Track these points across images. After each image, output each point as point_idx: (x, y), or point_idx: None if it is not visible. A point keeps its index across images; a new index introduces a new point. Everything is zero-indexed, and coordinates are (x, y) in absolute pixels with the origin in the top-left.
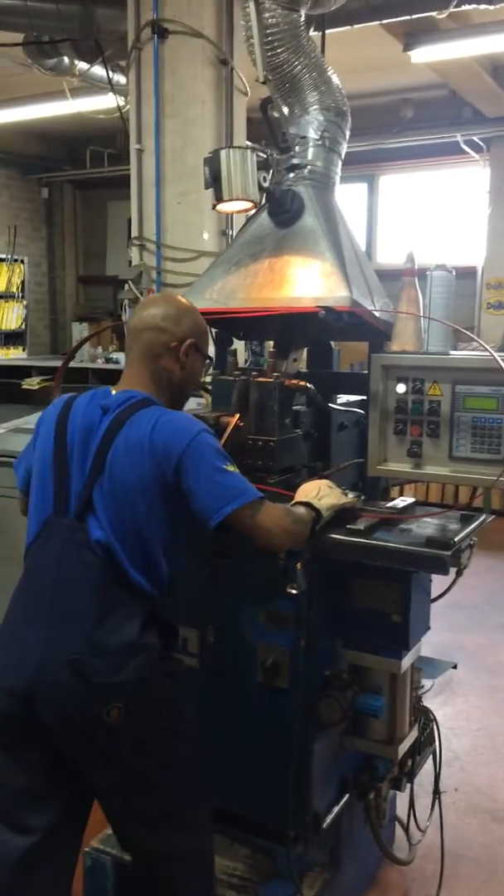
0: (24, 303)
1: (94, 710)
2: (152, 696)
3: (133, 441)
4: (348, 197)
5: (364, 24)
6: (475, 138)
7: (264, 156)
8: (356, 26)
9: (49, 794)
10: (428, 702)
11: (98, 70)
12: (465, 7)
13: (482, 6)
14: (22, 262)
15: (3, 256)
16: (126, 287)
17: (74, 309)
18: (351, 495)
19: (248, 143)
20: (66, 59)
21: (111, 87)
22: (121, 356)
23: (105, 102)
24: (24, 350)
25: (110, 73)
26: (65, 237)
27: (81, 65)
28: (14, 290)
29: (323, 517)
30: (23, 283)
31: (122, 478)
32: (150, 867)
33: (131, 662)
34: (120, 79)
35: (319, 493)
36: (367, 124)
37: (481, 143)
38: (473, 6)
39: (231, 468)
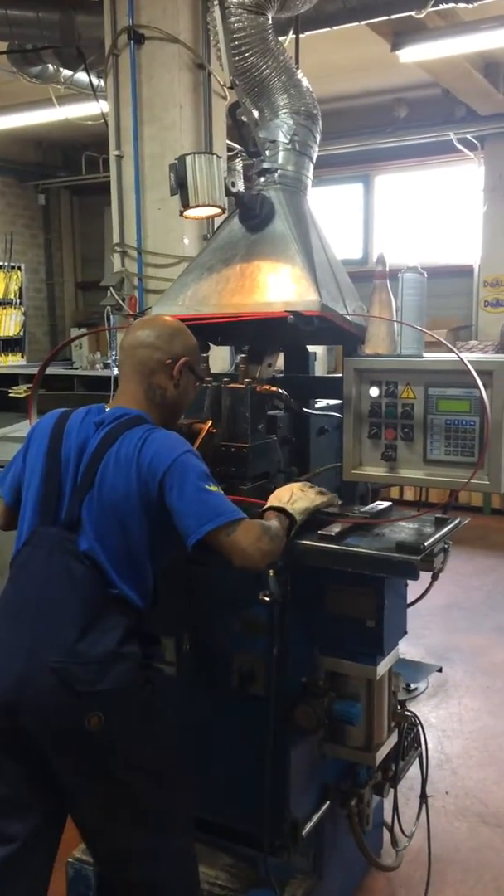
0: (23, 309)
1: (75, 718)
2: (131, 704)
3: (122, 458)
4: (344, 197)
5: (346, 26)
6: (469, 136)
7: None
8: (344, 27)
9: (28, 803)
10: (422, 704)
11: (83, 76)
12: (442, 6)
13: (461, 5)
14: (19, 268)
15: (1, 264)
16: (108, 294)
17: (73, 315)
18: (328, 494)
19: (235, 145)
20: (50, 67)
21: (94, 93)
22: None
23: (93, 109)
24: (22, 356)
25: (94, 80)
26: (62, 243)
27: (66, 72)
28: (12, 296)
29: (297, 522)
30: (20, 289)
31: (110, 493)
32: (126, 871)
33: (111, 671)
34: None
35: (292, 496)
36: (361, 124)
37: (475, 142)
38: (452, 5)
39: (213, 488)
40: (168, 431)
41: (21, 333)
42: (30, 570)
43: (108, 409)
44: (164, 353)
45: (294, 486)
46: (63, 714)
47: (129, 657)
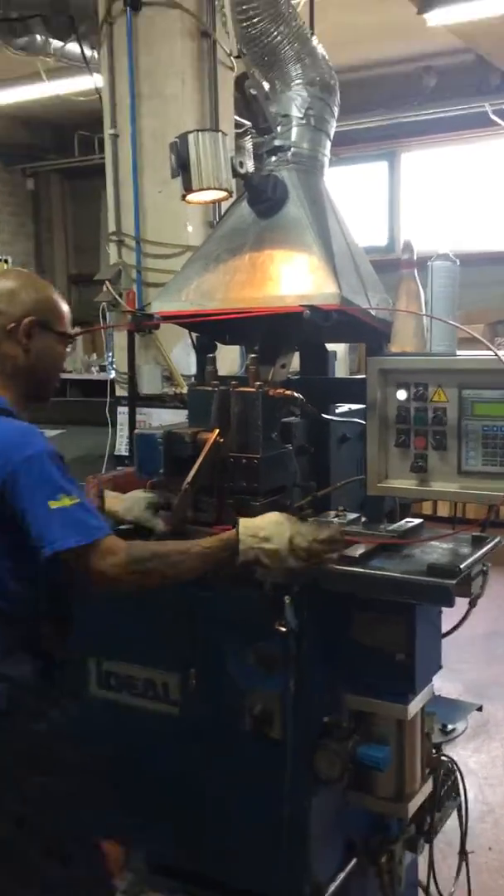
0: None
1: None
2: (9, 737)
3: None
4: (367, 177)
5: None
6: None
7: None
8: None
9: None
10: (460, 747)
11: (74, 47)
12: None
13: None
14: (6, 261)
15: None
16: (104, 289)
17: None
18: (326, 532)
19: (244, 121)
20: (38, 38)
21: (87, 65)
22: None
23: (86, 83)
24: None
25: (86, 51)
26: (53, 233)
27: (55, 42)
28: None
29: (238, 557)
30: None
31: None
32: None
33: None
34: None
35: (265, 531)
36: (385, 96)
37: None
38: None
39: (69, 501)
40: (20, 423)
41: None
42: None
43: None
44: (5, 318)
45: (281, 518)
46: None
47: (8, 678)
